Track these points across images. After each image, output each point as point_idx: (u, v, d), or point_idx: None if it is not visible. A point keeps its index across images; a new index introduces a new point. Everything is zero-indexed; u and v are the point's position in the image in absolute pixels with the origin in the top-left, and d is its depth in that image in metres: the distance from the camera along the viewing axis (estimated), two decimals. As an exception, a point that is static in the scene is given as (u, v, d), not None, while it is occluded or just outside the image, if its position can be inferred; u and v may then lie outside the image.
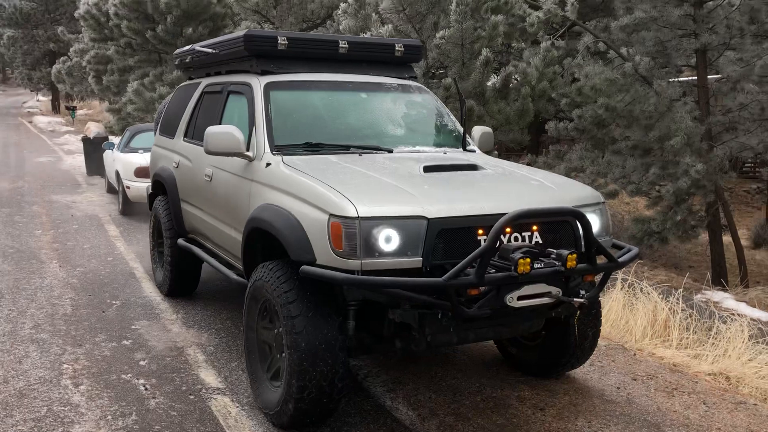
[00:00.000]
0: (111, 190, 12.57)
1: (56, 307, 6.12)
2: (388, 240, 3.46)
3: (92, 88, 18.60)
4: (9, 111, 45.02)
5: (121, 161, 10.72)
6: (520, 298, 3.50)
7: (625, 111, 13.79)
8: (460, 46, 8.53)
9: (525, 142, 10.74)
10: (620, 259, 3.90)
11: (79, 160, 17.35)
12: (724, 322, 6.40)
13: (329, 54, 5.29)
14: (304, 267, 3.56)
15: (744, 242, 17.01)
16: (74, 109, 32.59)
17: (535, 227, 3.70)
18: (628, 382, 4.81)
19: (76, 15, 17.56)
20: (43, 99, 53.94)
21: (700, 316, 6.85)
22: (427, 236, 3.50)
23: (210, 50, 5.73)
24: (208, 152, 4.55)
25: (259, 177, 4.40)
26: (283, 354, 3.87)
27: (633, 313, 6.62)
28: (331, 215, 3.52)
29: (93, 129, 15.35)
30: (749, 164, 24.33)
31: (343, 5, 9.83)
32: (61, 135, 27.25)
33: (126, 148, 11.13)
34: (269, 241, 4.20)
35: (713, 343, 6.01)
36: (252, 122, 4.73)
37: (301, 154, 4.48)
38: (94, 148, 14.63)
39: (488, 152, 5.38)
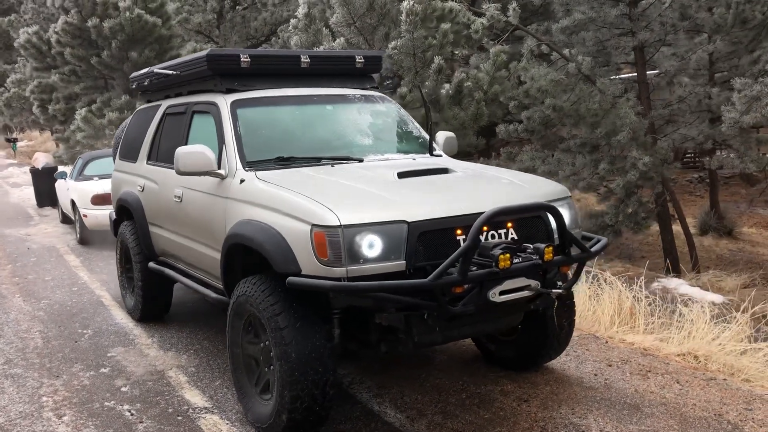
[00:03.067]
0: (66, 220, 12.34)
1: (26, 341, 6.00)
2: (371, 246, 3.55)
3: (36, 118, 18.19)
4: (-56, 147, 43.60)
5: (76, 190, 10.54)
6: (502, 293, 3.63)
7: (571, 110, 14.17)
8: (413, 55, 8.69)
9: (481, 145, 10.97)
10: (592, 249, 4.06)
11: (27, 193, 16.94)
12: (686, 306, 6.67)
13: (292, 69, 5.36)
14: (291, 278, 3.62)
15: (691, 230, 17.62)
16: (15, 141, 31.77)
17: (509, 224, 3.84)
18: (604, 368, 4.98)
19: (15, 45, 17.18)
20: (-20, 133, 52.40)
21: (663, 302, 7.12)
22: (409, 239, 3.60)
23: (171, 72, 5.74)
24: (180, 173, 4.57)
25: (233, 194, 4.44)
26: (272, 367, 3.92)
27: (599, 303, 6.84)
28: (314, 225, 3.59)
29: (41, 159, 15.04)
30: (690, 155, 25.21)
31: (293, 20, 9.89)
32: (4, 168, 26.54)
33: (80, 176, 10.94)
34: (248, 256, 4.24)
35: (678, 326, 6.26)
36: (221, 140, 4.77)
37: (274, 168, 4.54)
38: (43, 179, 14.32)
39: (453, 156, 5.51)
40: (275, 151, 4.71)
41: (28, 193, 16.49)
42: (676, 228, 15.72)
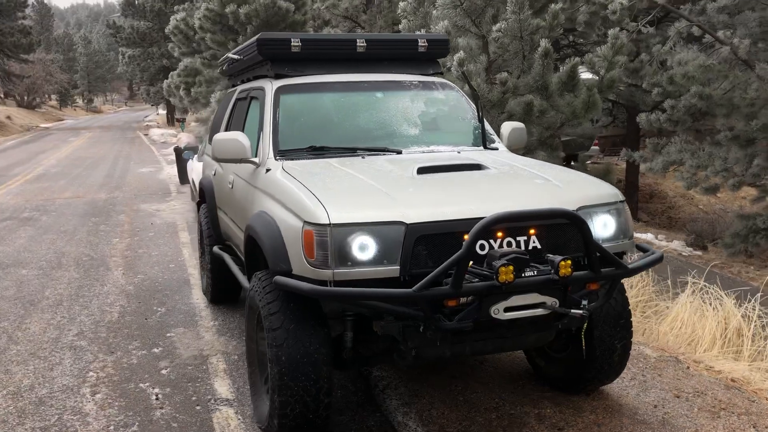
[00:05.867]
0: (194, 198, 12.98)
1: (105, 314, 6.30)
2: (363, 248, 3.25)
3: (182, 99, 19.41)
4: (130, 125, 48.06)
5: (196, 170, 11.01)
6: (507, 309, 3.20)
7: (724, 99, 12.75)
8: (519, 38, 8.11)
9: (596, 134, 10.12)
10: (632, 265, 3.48)
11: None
12: (808, 332, 5.69)
13: (347, 54, 5.14)
14: (277, 277, 3.41)
15: None
16: (183, 120, 34.18)
17: (532, 231, 3.37)
18: (669, 399, 4.32)
19: (166, 31, 18.40)
20: (163, 113, 57.17)
21: (783, 324, 6.13)
22: (405, 243, 3.26)
23: (237, 57, 5.72)
24: (216, 159, 4.52)
25: (260, 183, 4.30)
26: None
27: (702, 321, 6.02)
28: (305, 222, 3.36)
29: (184, 139, 15.96)
30: None
31: (402, 3, 9.64)
32: (170, 146, 28.57)
33: (202, 156, 11.43)
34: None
35: (791, 356, 5.37)
36: (260, 127, 4.65)
37: (304, 158, 4.35)
38: (184, 158, 15.16)
39: (518, 149, 5.02)
40: (311, 140, 4.51)
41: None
42: None
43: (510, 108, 7.95)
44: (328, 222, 3.26)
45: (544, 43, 7.79)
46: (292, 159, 4.33)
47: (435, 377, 4.68)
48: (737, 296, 6.32)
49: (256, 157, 4.52)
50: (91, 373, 4.93)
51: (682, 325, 6.06)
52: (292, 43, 4.93)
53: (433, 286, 3.11)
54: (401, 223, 3.27)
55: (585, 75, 9.30)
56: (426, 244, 3.29)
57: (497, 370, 4.82)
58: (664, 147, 14.45)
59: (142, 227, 10.79)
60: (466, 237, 3.27)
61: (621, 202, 3.75)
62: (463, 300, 3.20)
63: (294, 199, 3.58)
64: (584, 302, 3.36)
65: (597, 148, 24.08)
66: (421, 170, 3.83)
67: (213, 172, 6.17)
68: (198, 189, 6.93)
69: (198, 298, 6.76)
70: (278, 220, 3.65)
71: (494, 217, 3.10)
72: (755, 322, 5.87)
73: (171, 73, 33.77)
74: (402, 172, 3.86)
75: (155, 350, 5.37)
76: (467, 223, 3.28)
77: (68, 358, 5.24)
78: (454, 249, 3.24)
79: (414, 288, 3.08)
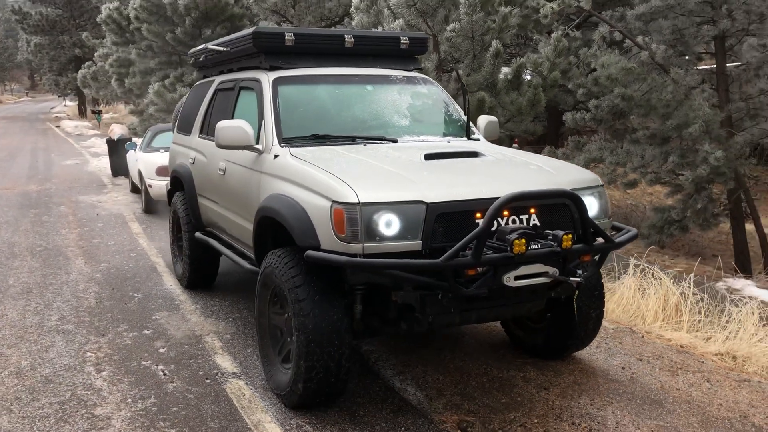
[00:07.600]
0: (135, 189, 12.87)
1: (81, 300, 6.35)
2: (389, 224, 3.60)
3: (114, 90, 18.99)
4: (38, 117, 45.96)
5: (143, 161, 10.98)
6: (517, 278, 3.63)
7: (642, 100, 13.76)
8: (471, 38, 8.62)
9: (538, 131, 10.81)
10: (617, 240, 4.00)
11: (104, 162, 17.68)
12: (736, 306, 6.44)
13: (336, 48, 5.44)
14: (309, 252, 3.72)
15: (768, 230, 16.83)
16: (100, 112, 33.11)
17: (532, 210, 3.82)
18: (634, 362, 4.90)
19: (98, 20, 17.97)
20: (71, 104, 54.89)
21: (712, 300, 6.89)
22: (426, 220, 3.63)
23: (222, 48, 5.92)
24: (219, 146, 4.73)
25: (267, 168, 4.57)
26: (293, 337, 4.04)
27: (645, 298, 6.69)
28: (334, 202, 3.68)
29: (117, 130, 15.68)
30: (775, 151, 23.96)
31: (355, 1, 9.98)
32: (88, 138, 27.74)
33: (148, 147, 11.39)
34: (278, 229, 4.37)
35: (723, 326, 6.07)
36: (261, 116, 4.91)
37: (308, 145, 4.64)
38: (117, 149, 14.92)
39: (493, 141, 5.49)
40: (311, 129, 4.82)
41: (105, 163, 17.22)
42: (750, 227, 15.08)
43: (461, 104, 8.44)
44: (357, 201, 3.59)
45: (495, 43, 8.32)
46: (296, 146, 4.61)
47: (423, 350, 5.08)
48: (673, 277, 7.03)
49: (258, 144, 4.77)
50: (89, 354, 5.05)
51: (627, 302, 6.71)
52: (286, 37, 5.21)
53: (455, 258, 3.51)
54: (422, 202, 3.65)
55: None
56: (443, 221, 3.68)
57: (478, 341, 5.27)
58: (584, 145, 15.40)
59: (88, 218, 10.66)
60: (478, 215, 3.71)
61: (601, 186, 4.26)
62: (480, 270, 3.61)
63: (318, 181, 3.89)
64: (579, 271, 3.85)
65: (516, 146, 25.29)
66: (428, 156, 4.22)
67: (191, 161, 6.33)
68: (170, 177, 7.04)
69: (171, 284, 6.89)
70: (301, 201, 3.95)
71: (511, 196, 3.53)
72: (690, 298, 6.58)
73: (86, 63, 32.76)
74: (410, 158, 4.24)
75: (146, 332, 5.52)
76: (480, 203, 3.71)
77: (60, 340, 5.32)
78: (468, 225, 3.67)
79: (441, 259, 3.47)
